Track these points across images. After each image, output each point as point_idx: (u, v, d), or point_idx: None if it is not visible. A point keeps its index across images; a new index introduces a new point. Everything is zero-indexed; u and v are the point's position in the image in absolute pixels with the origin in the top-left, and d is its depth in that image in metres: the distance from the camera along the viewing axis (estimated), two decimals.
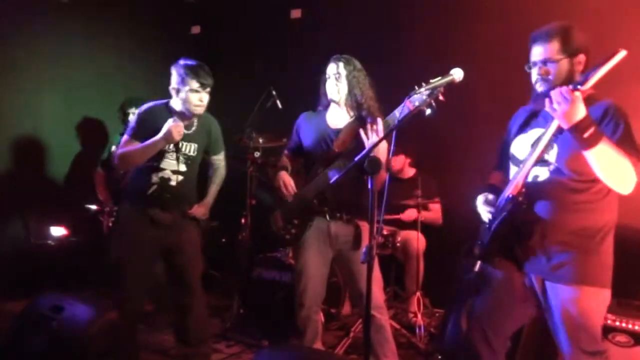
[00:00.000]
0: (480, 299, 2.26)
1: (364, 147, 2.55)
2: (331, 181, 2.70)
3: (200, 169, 3.19)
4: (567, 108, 1.82)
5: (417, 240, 3.96)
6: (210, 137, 3.13)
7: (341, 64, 2.81)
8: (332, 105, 2.89)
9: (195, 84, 2.91)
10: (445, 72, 2.14)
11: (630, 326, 2.59)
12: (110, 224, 4.37)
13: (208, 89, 2.96)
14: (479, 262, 2.22)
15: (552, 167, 2.04)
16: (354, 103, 2.81)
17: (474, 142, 4.15)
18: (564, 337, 2.02)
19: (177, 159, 2.97)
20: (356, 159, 2.24)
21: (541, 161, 2.05)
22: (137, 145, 2.86)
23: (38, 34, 4.63)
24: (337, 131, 2.83)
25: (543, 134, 2.02)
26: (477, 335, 2.22)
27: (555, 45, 2.03)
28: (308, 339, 2.94)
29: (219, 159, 3.25)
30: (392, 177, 4.33)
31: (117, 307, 2.78)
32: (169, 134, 2.80)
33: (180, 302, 3.04)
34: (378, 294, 2.79)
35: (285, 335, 3.60)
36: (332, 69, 2.83)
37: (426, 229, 4.18)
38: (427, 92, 2.15)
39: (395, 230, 4.06)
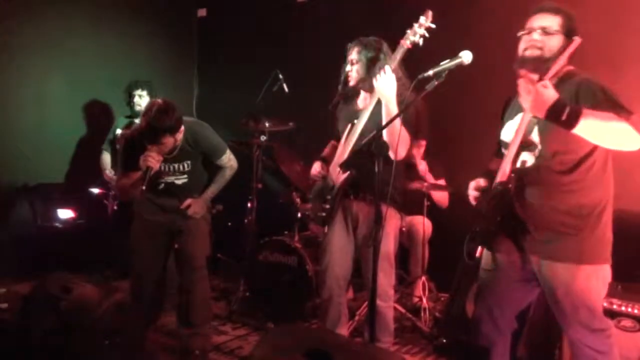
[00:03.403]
0: (485, 279, 2.28)
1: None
2: (339, 164, 2.70)
3: None
4: (534, 99, 1.86)
5: (422, 225, 3.96)
6: (202, 148, 3.07)
7: (355, 50, 2.77)
8: (362, 90, 2.84)
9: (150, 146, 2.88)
10: (454, 54, 2.13)
11: (636, 311, 2.59)
12: (115, 207, 4.41)
13: (159, 143, 2.83)
14: (479, 248, 2.23)
15: (537, 152, 2.06)
16: (370, 87, 2.74)
17: (483, 126, 4.11)
18: (565, 316, 2.05)
19: (173, 171, 3.05)
20: (364, 141, 2.24)
21: (527, 146, 2.07)
22: (129, 179, 2.98)
23: (44, 16, 4.62)
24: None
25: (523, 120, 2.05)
26: (484, 315, 2.26)
27: (557, 19, 2.06)
28: (330, 324, 2.90)
29: (224, 161, 3.18)
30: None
31: (132, 287, 3.06)
32: (146, 167, 2.82)
33: (184, 283, 3.11)
34: (385, 281, 2.76)
35: (290, 317, 3.63)
36: (349, 54, 2.80)
37: (432, 213, 4.17)
38: (436, 76, 2.13)
39: (401, 215, 4.05)
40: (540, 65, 2.01)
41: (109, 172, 4.40)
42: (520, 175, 2.06)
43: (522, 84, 1.92)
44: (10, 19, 4.42)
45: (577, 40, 1.91)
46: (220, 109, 5.64)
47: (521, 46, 2.12)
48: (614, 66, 3.51)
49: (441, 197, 4.27)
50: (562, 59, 1.95)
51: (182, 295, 3.11)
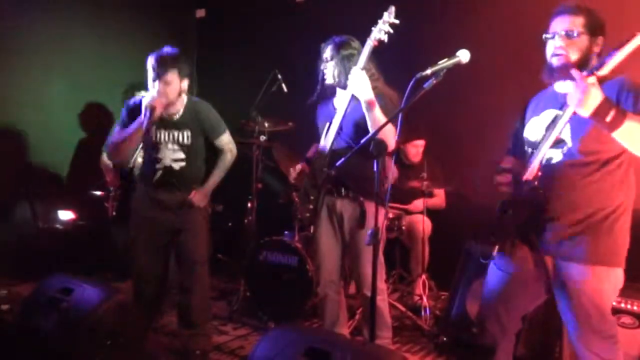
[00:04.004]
0: (495, 277, 2.25)
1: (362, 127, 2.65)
2: (337, 164, 2.70)
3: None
4: (583, 97, 1.79)
5: (422, 224, 3.97)
6: (203, 122, 3.08)
7: (328, 48, 2.82)
8: (338, 89, 2.88)
9: (150, 75, 2.91)
10: (452, 54, 2.13)
11: (635, 308, 2.61)
12: (114, 211, 4.41)
13: (166, 78, 2.87)
14: (497, 246, 2.22)
15: (565, 149, 2.04)
16: (344, 84, 2.77)
17: (481, 127, 4.14)
18: (575, 318, 2.02)
19: (172, 141, 3.01)
20: (362, 141, 2.24)
21: (556, 143, 2.04)
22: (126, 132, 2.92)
23: (43, 19, 4.63)
24: None
25: (558, 117, 1.99)
26: (490, 314, 2.24)
27: (580, 20, 2.02)
28: (328, 323, 2.94)
29: (223, 142, 3.17)
30: (400, 161, 4.33)
31: (133, 287, 3.04)
32: (149, 105, 2.80)
33: (184, 282, 3.10)
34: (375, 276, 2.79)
35: (291, 317, 3.64)
36: (323, 52, 2.86)
37: (432, 212, 4.19)
38: (434, 75, 2.14)
39: (401, 214, 4.07)
40: (567, 72, 1.95)
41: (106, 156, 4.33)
42: (545, 172, 2.04)
43: (569, 82, 1.86)
44: (9, 20, 4.42)
45: (639, 35, 1.77)
46: (219, 109, 5.60)
47: (547, 51, 2.09)
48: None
49: (438, 202, 4.29)
50: (621, 56, 1.80)
51: (182, 295, 3.11)
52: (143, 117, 2.81)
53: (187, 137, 3.03)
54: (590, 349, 2.00)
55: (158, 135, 3.00)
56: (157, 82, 2.86)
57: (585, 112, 1.81)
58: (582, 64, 1.98)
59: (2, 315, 3.39)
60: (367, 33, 2.71)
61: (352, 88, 2.60)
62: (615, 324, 2.06)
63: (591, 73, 1.82)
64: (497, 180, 2.21)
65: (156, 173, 3.02)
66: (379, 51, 2.84)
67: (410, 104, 2.14)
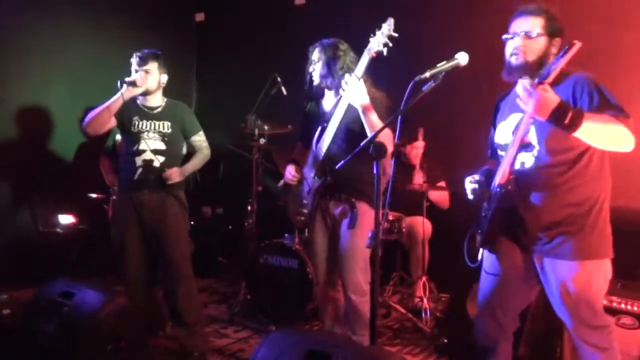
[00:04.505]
0: (487, 281, 2.28)
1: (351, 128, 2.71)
2: (337, 167, 2.71)
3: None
4: (536, 103, 1.84)
5: (422, 226, 3.97)
6: (183, 118, 3.26)
7: (316, 50, 2.86)
8: (326, 90, 2.90)
9: (133, 61, 3.15)
10: (452, 56, 2.14)
11: (635, 308, 2.61)
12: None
13: (146, 67, 3.12)
14: (481, 250, 2.24)
15: (535, 152, 2.07)
16: (332, 86, 2.81)
17: (483, 126, 4.13)
18: (566, 313, 2.06)
19: (153, 129, 3.13)
20: (362, 144, 2.25)
21: (525, 146, 2.08)
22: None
23: (44, 23, 4.64)
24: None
25: (521, 120, 2.04)
26: (486, 314, 2.27)
27: (539, 21, 2.08)
28: (328, 323, 2.97)
29: (200, 139, 3.33)
30: (400, 162, 4.33)
31: (127, 291, 3.06)
32: (130, 80, 3.06)
33: (167, 284, 3.13)
34: (361, 277, 2.79)
35: (291, 319, 3.64)
36: (310, 55, 2.89)
37: (433, 213, 4.18)
38: (433, 78, 2.15)
39: (401, 216, 4.07)
40: (527, 71, 2.04)
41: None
42: (520, 176, 2.07)
43: (522, 88, 1.89)
44: (9, 20, 4.43)
45: (577, 44, 1.84)
46: (219, 113, 5.65)
47: (507, 51, 2.14)
48: (609, 63, 3.53)
49: (441, 199, 4.28)
50: (562, 63, 1.86)
51: (169, 297, 3.13)
52: (124, 90, 3.03)
53: (168, 126, 3.16)
54: (585, 340, 2.06)
55: (139, 124, 3.13)
56: (138, 72, 3.09)
57: (542, 116, 1.86)
58: (539, 64, 2.04)
59: (4, 319, 3.39)
60: (366, 36, 2.72)
61: (349, 96, 2.61)
62: (606, 315, 2.09)
63: (541, 82, 1.87)
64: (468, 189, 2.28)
65: (136, 171, 3.09)
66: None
67: (408, 107, 2.14)
